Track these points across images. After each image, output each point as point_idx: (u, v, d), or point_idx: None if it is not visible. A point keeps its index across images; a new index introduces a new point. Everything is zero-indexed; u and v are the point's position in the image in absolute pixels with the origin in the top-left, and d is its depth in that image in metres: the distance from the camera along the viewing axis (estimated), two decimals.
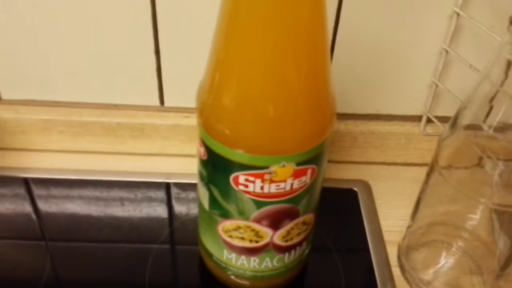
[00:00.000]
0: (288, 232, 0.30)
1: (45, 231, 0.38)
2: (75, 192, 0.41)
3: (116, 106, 0.43)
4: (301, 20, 0.24)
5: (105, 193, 0.41)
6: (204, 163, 0.29)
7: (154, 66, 0.40)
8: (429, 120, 0.43)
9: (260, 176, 0.27)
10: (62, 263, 0.36)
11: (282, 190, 0.28)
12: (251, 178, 0.27)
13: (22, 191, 0.41)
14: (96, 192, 0.41)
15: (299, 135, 0.26)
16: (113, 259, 0.37)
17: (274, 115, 0.26)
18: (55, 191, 0.41)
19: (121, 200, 0.41)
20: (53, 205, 0.40)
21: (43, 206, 0.40)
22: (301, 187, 0.28)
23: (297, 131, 0.26)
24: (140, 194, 0.41)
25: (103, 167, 0.43)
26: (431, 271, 0.36)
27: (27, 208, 0.40)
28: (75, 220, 0.39)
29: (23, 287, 0.35)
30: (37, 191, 0.41)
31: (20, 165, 0.43)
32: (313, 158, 0.27)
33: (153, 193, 0.41)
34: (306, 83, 0.26)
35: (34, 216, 0.39)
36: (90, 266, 0.36)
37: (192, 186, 0.42)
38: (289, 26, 0.24)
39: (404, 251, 0.37)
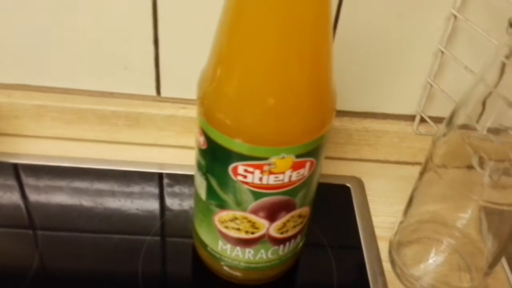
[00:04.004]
0: (284, 224, 0.31)
1: (35, 219, 0.38)
2: (66, 180, 0.41)
3: (111, 94, 0.42)
4: (306, 11, 0.24)
5: (96, 182, 0.41)
6: (203, 153, 0.29)
7: (152, 55, 0.40)
8: (422, 120, 0.44)
9: (260, 167, 0.27)
10: (52, 253, 0.36)
11: (281, 182, 0.28)
12: (250, 169, 0.27)
13: (11, 177, 0.41)
14: (87, 181, 0.41)
15: (300, 127, 0.26)
16: (104, 250, 0.36)
17: (276, 106, 0.26)
18: (45, 178, 0.41)
19: (113, 190, 0.41)
20: (42, 192, 0.40)
21: (32, 193, 0.40)
22: (299, 180, 0.28)
23: (298, 123, 0.26)
24: (132, 184, 0.41)
25: (95, 156, 0.43)
26: (421, 267, 0.37)
27: (16, 195, 0.39)
28: (65, 209, 0.39)
29: (12, 277, 0.34)
30: (27, 178, 0.41)
31: (11, 150, 0.42)
32: (312, 151, 0.28)
33: (146, 184, 0.41)
34: (309, 75, 0.26)
35: (23, 204, 0.39)
36: (81, 257, 0.36)
37: (186, 178, 0.42)
38: (294, 18, 0.24)
39: (396, 247, 0.37)
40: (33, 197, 0.39)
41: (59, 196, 0.40)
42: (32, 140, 0.43)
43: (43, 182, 0.41)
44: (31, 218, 0.38)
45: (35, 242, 0.36)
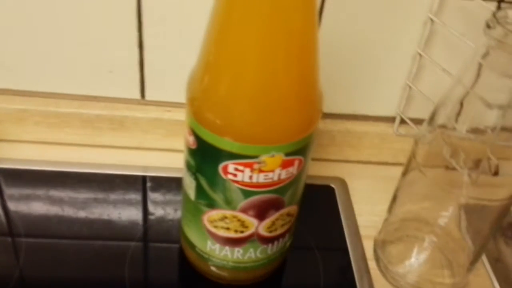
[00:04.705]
0: (273, 223, 0.31)
1: (15, 225, 0.37)
2: (48, 185, 0.40)
3: (95, 98, 0.42)
4: (294, 14, 0.25)
5: (79, 187, 0.40)
6: (193, 153, 0.29)
7: (137, 59, 0.40)
8: (402, 121, 0.45)
9: (250, 166, 0.27)
10: (34, 260, 0.35)
11: (270, 180, 0.28)
12: (241, 167, 0.27)
13: None
14: (70, 186, 0.40)
15: (289, 126, 0.27)
16: (89, 256, 0.36)
17: (266, 105, 0.26)
18: (27, 183, 0.40)
19: (97, 195, 0.40)
20: (24, 198, 0.39)
21: (13, 199, 0.39)
22: (288, 178, 0.29)
23: (287, 122, 0.27)
24: (117, 188, 0.41)
25: (79, 160, 0.42)
26: (405, 264, 0.38)
27: None
28: (47, 214, 0.38)
29: None
30: (8, 183, 0.40)
31: None
32: (301, 149, 0.28)
33: (130, 188, 0.41)
34: (297, 75, 0.26)
35: (2, 210, 0.38)
36: (64, 264, 0.35)
37: (171, 181, 0.42)
38: (282, 20, 0.24)
39: (380, 245, 0.38)
40: (14, 202, 0.39)
41: (41, 202, 0.39)
42: (15, 145, 0.43)
43: (25, 187, 0.40)
44: (11, 225, 0.37)
45: (16, 249, 0.36)
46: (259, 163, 0.27)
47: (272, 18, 0.24)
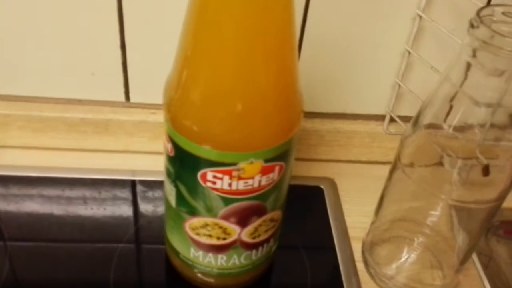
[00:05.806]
0: (256, 229, 0.30)
1: (4, 230, 0.37)
2: (35, 190, 0.40)
3: (79, 102, 0.42)
4: (270, 17, 0.24)
5: (67, 191, 0.40)
6: (171, 160, 0.28)
7: (120, 60, 0.40)
8: (392, 120, 0.44)
9: (228, 173, 0.27)
10: (22, 264, 0.35)
11: (250, 187, 0.28)
12: (219, 175, 0.27)
13: None
14: (57, 190, 0.40)
15: (267, 132, 0.26)
16: (76, 259, 0.36)
17: (243, 111, 0.26)
18: (14, 188, 0.40)
19: (84, 199, 0.40)
20: (12, 203, 0.39)
21: (1, 204, 0.39)
22: (269, 184, 0.28)
23: (265, 128, 0.26)
24: (104, 192, 0.41)
25: (65, 164, 0.42)
26: (394, 266, 0.37)
27: None
28: (35, 219, 0.38)
29: None
30: None
31: None
32: (281, 155, 0.28)
33: (117, 191, 0.41)
34: (275, 80, 0.26)
35: None
36: (52, 267, 0.35)
37: (158, 184, 0.41)
38: (258, 23, 0.24)
39: (368, 247, 0.38)
40: (1, 207, 0.39)
41: (29, 206, 0.39)
42: None
43: (12, 193, 0.40)
44: (0, 229, 0.37)
45: (4, 253, 0.35)
46: (237, 170, 0.27)
47: (248, 23, 0.24)
